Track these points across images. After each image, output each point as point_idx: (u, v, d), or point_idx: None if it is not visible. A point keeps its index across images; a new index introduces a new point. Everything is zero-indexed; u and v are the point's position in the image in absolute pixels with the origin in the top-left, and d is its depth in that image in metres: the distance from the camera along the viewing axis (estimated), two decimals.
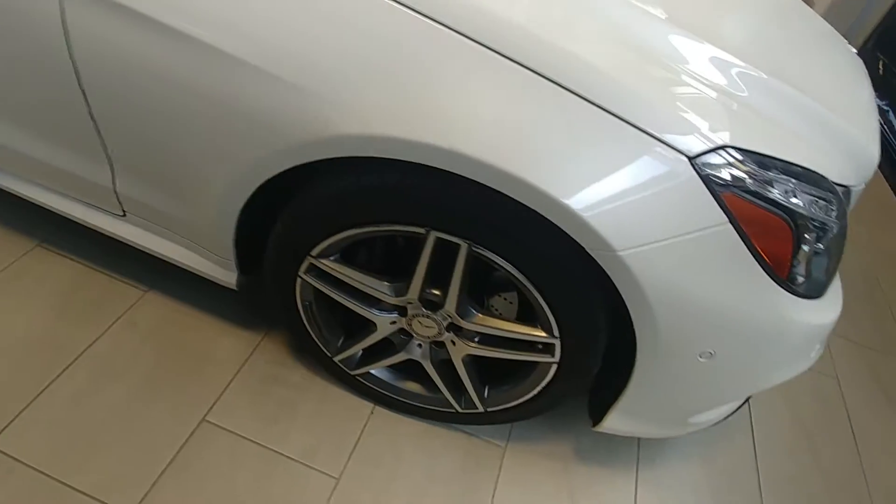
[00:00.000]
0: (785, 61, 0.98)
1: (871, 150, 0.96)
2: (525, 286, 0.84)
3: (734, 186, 0.73)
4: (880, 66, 3.54)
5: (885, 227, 2.46)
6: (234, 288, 1.10)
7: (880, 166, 2.96)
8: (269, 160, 0.80)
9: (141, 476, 1.01)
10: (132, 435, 1.06)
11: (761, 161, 0.75)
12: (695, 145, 0.71)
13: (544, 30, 0.72)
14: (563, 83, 0.70)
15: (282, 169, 0.81)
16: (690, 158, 0.71)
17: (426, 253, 0.86)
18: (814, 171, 0.79)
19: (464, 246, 0.82)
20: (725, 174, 0.73)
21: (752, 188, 0.74)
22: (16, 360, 1.12)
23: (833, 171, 0.85)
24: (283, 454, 1.10)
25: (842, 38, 1.34)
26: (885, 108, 3.29)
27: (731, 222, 0.73)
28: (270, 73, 0.73)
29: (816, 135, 0.86)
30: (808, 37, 1.17)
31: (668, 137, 0.71)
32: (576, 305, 0.84)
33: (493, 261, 0.83)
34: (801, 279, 0.81)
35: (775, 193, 0.75)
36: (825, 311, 0.87)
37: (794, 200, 0.77)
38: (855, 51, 1.32)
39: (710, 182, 0.72)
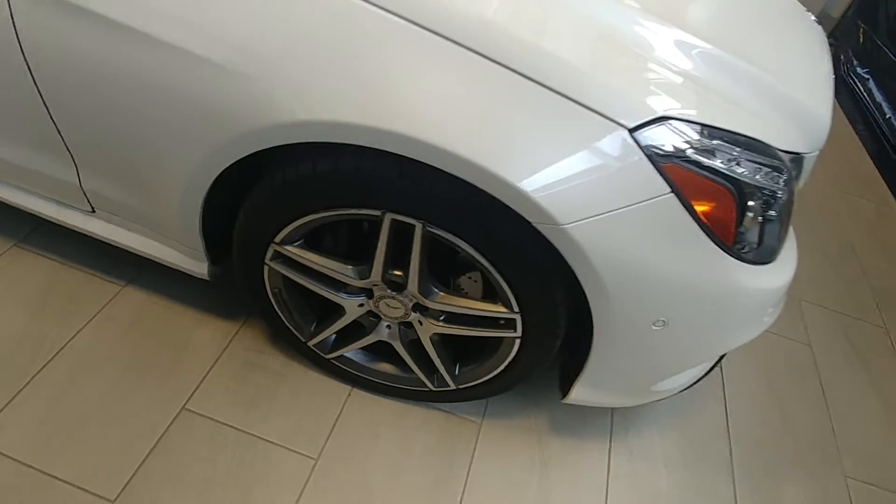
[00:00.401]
0: (738, 34, 0.99)
1: (822, 118, 0.98)
2: (482, 263, 0.86)
3: (676, 157, 0.75)
4: (861, 35, 3.54)
5: (861, 194, 2.48)
6: (207, 278, 1.12)
7: (860, 134, 2.98)
8: (223, 149, 0.81)
9: (123, 464, 1.04)
10: (113, 425, 1.09)
11: (703, 131, 0.77)
12: (634, 117, 0.73)
13: (484, 12, 0.73)
14: (505, 63, 0.71)
15: (237, 157, 0.83)
16: (630, 130, 0.73)
17: (384, 235, 0.88)
18: (758, 141, 0.81)
19: (418, 226, 0.84)
20: (666, 145, 0.74)
21: (694, 158, 0.76)
22: None
23: (782, 139, 0.87)
24: (262, 438, 1.13)
25: (803, 9, 1.34)
26: (866, 75, 3.30)
27: (673, 192, 0.75)
28: (217, 62, 0.74)
29: (764, 105, 0.88)
30: (768, 10, 1.18)
31: (606, 110, 0.73)
32: (532, 280, 0.86)
33: (448, 240, 0.85)
34: (747, 246, 0.84)
35: (717, 163, 0.77)
36: (775, 275, 0.89)
37: (737, 169, 0.79)
38: (815, 19, 1.32)
39: (651, 153, 0.74)
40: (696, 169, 0.76)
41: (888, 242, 2.20)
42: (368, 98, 0.72)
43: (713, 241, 0.80)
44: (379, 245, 0.90)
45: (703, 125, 0.77)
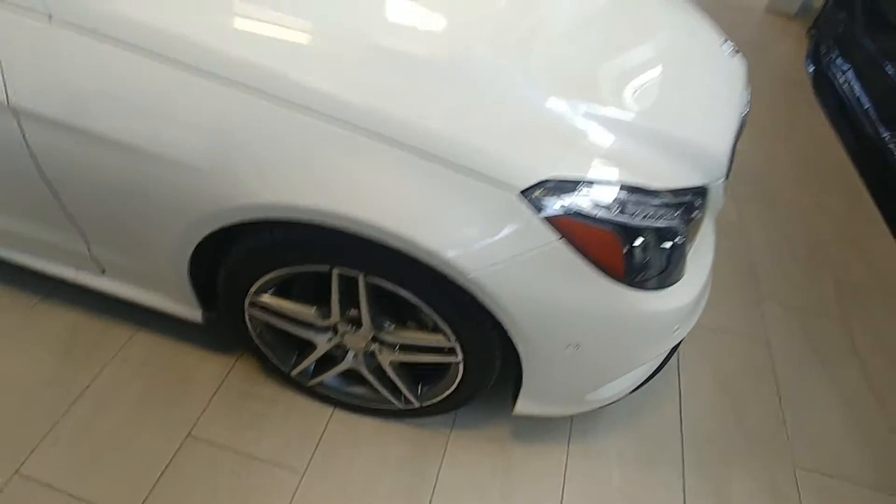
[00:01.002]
0: (640, 82, 1.13)
1: (717, 153, 1.11)
2: (418, 303, 1.02)
3: (560, 209, 0.89)
4: (840, 26, 3.59)
5: (833, 188, 2.56)
6: (201, 322, 1.30)
7: (838, 127, 3.03)
8: (196, 225, 0.99)
9: (138, 488, 1.23)
10: (129, 454, 1.28)
11: (585, 185, 0.92)
12: (522, 181, 0.88)
13: (397, 106, 0.89)
14: (409, 145, 0.87)
15: (209, 231, 1.00)
16: (522, 192, 0.88)
17: (334, 285, 1.05)
18: (639, 187, 0.95)
19: (360, 277, 1.01)
20: (552, 201, 0.89)
21: (578, 209, 0.90)
22: (30, 400, 1.34)
23: (671, 179, 1.01)
24: (256, 457, 1.31)
25: (719, 43, 1.46)
26: (845, 67, 3.35)
27: (562, 239, 0.90)
28: (184, 161, 0.92)
29: (648, 151, 1.01)
30: (679, 49, 1.31)
31: (498, 177, 0.87)
32: (461, 316, 1.02)
33: (385, 287, 1.01)
34: (640, 276, 0.97)
35: (600, 211, 0.91)
36: (672, 298, 1.03)
37: (620, 214, 0.93)
38: (732, 49, 1.44)
39: (538, 208, 0.89)
40: (581, 218, 0.90)
41: (857, 236, 2.28)
42: (305, 184, 0.89)
43: (605, 275, 0.94)
44: (332, 292, 1.07)
45: (585, 180, 0.92)
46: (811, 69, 3.62)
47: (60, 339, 1.47)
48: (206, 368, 1.46)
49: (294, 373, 1.33)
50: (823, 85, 3.40)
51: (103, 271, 1.29)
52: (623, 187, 0.94)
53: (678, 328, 1.09)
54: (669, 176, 1.02)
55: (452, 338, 1.07)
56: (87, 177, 0.99)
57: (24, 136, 0.97)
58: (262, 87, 0.87)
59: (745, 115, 1.46)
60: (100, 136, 0.93)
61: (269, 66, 0.87)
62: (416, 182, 0.87)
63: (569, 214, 0.90)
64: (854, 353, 1.79)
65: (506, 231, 0.89)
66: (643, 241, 0.96)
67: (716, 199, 1.22)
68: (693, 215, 1.10)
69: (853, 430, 1.56)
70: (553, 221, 0.89)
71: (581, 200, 0.91)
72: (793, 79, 3.53)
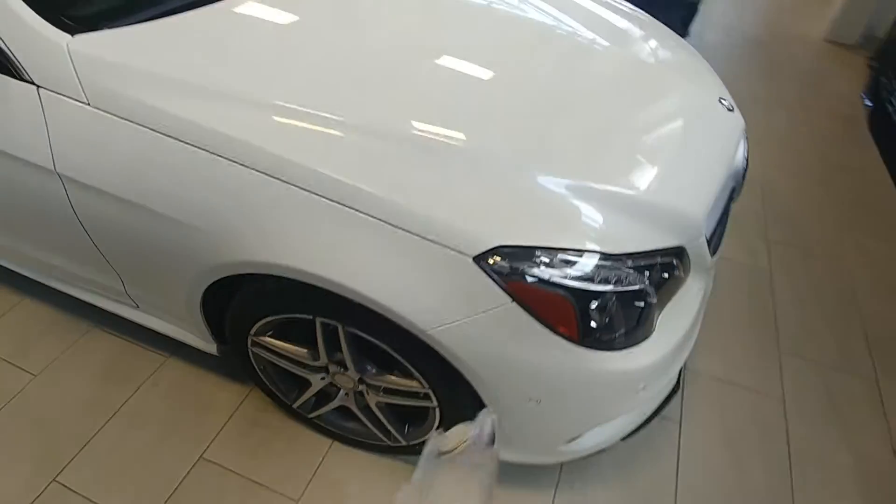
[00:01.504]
0: (613, 143, 1.18)
1: (692, 213, 1.13)
2: (391, 352, 1.11)
3: (514, 274, 0.96)
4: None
5: (875, 234, 2.41)
6: (217, 354, 1.45)
7: (890, 166, 2.86)
8: (199, 276, 1.14)
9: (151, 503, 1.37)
10: (149, 471, 1.43)
11: (538, 251, 0.97)
12: (477, 247, 0.95)
13: (366, 181, 0.98)
14: (373, 214, 0.96)
15: (212, 280, 1.14)
16: (474, 258, 0.95)
17: (319, 332, 1.16)
18: (596, 251, 1.00)
19: (339, 326, 1.11)
20: (503, 266, 0.96)
21: (530, 273, 0.96)
22: (73, 416, 1.53)
23: (638, 242, 1.05)
24: (258, 482, 1.42)
25: (715, 91, 1.48)
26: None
27: (515, 302, 0.96)
28: (194, 224, 1.06)
29: (614, 215, 1.06)
30: (666, 105, 1.35)
31: (453, 243, 0.95)
32: (430, 365, 1.09)
33: (362, 336, 1.11)
34: (598, 338, 1.01)
35: (552, 275, 0.97)
36: (637, 357, 1.05)
37: (573, 279, 0.97)
38: (728, 106, 1.45)
39: (492, 273, 0.95)
40: (533, 283, 0.96)
41: None
42: (280, 244, 1.01)
43: (560, 337, 0.99)
44: (318, 338, 1.18)
45: (539, 247, 0.97)
46: (868, 104, 3.43)
47: (103, 362, 1.67)
48: (224, 395, 1.60)
49: (296, 405, 1.44)
50: (880, 121, 3.22)
51: (137, 306, 1.47)
52: (578, 252, 0.99)
53: (644, 386, 1.11)
54: (636, 239, 1.06)
55: (425, 384, 1.14)
56: (115, 230, 1.17)
57: (67, 195, 1.16)
58: (257, 164, 1.00)
59: (742, 172, 1.46)
60: (125, 200, 1.09)
61: (266, 150, 1.00)
62: (382, 247, 0.97)
63: (521, 279, 0.96)
64: (881, 416, 1.69)
65: (462, 293, 0.96)
66: (601, 305, 1.00)
67: (700, 258, 1.23)
68: (665, 276, 1.13)
69: None
70: (506, 285, 0.96)
71: (533, 266, 0.96)
72: (846, 114, 3.37)
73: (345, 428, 1.45)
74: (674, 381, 1.35)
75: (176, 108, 1.03)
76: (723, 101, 1.44)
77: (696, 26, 4.18)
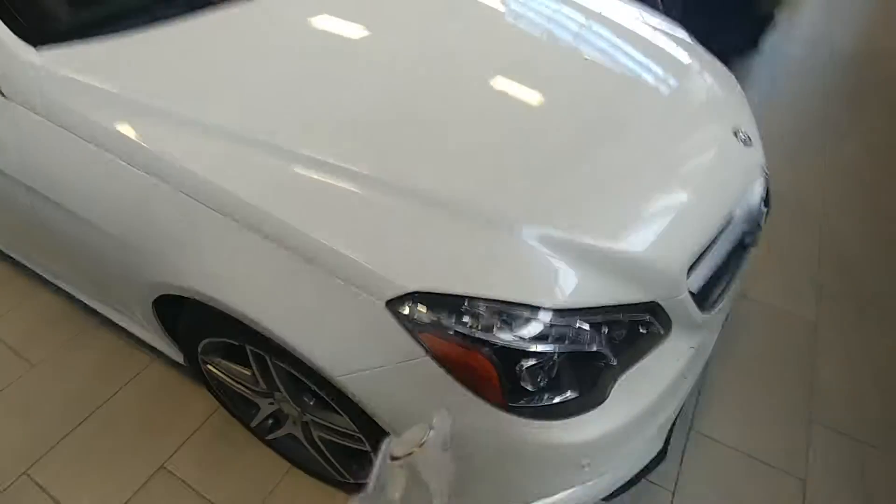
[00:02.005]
0: (591, 180, 1.04)
1: (666, 265, 0.98)
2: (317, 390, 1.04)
3: (431, 325, 0.85)
4: None
5: None
6: (184, 364, 1.45)
7: None
8: (140, 292, 1.13)
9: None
10: (114, 474, 1.45)
11: (459, 301, 0.86)
12: (390, 290, 0.86)
13: (281, 208, 0.92)
14: (288, 245, 0.90)
15: (154, 296, 1.13)
16: (387, 303, 0.86)
17: (252, 359, 1.11)
18: (527, 304, 0.87)
19: (266, 357, 1.06)
20: (420, 315, 0.86)
21: (447, 326, 0.85)
22: (57, 410, 1.58)
23: (591, 295, 0.92)
24: (209, 500, 1.40)
25: (732, 121, 1.28)
26: None
27: (430, 356, 0.86)
28: (123, 239, 1.05)
29: (563, 264, 0.92)
30: (671, 139, 1.18)
31: (368, 284, 0.86)
32: (352, 407, 1.00)
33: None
34: (528, 403, 0.89)
35: (478, 330, 0.85)
36: (580, 429, 0.91)
37: (499, 335, 0.86)
38: (744, 135, 1.25)
39: (405, 321, 0.85)
40: (450, 335, 0.85)
41: None
42: (193, 268, 0.98)
43: (482, 400, 0.87)
44: (251, 365, 1.13)
45: (464, 296, 0.86)
46: None
47: (96, 359, 1.72)
48: (198, 403, 1.60)
49: (252, 424, 1.41)
50: None
51: (118, 310, 1.51)
52: (513, 304, 0.87)
53: (588, 463, 0.96)
54: (592, 292, 0.92)
55: (354, 427, 1.06)
56: (73, 239, 1.18)
57: (33, 204, 1.19)
58: (182, 186, 0.97)
59: (758, 215, 1.26)
60: (72, 212, 1.10)
61: (190, 170, 0.96)
62: (293, 282, 0.90)
63: (438, 331, 0.85)
64: None
65: (374, 340, 0.87)
66: (536, 366, 0.88)
67: (684, 315, 1.06)
68: (632, 333, 0.98)
69: None
70: (419, 335, 0.86)
71: (455, 317, 0.86)
72: None
73: (298, 455, 1.40)
74: (658, 448, 1.18)
75: (118, 125, 1.02)
76: (738, 134, 1.25)
77: (774, 38, 3.81)
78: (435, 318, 0.86)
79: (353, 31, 1.32)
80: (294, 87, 1.11)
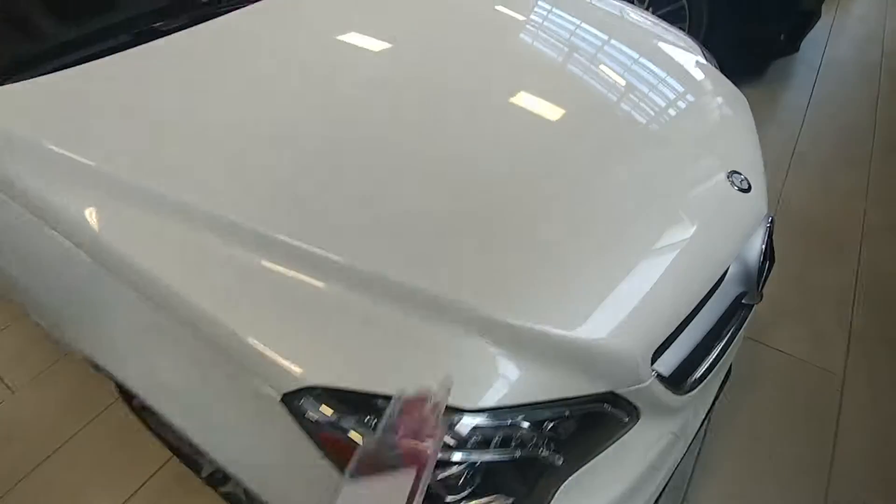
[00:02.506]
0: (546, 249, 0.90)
1: (623, 352, 0.83)
2: None
3: (328, 425, 0.74)
4: None
5: None
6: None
7: None
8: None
9: None
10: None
11: (371, 399, 0.74)
12: (287, 383, 0.75)
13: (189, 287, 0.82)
14: (186, 325, 0.81)
15: None
16: (282, 397, 0.75)
17: None
18: (453, 406, 0.74)
19: None
20: (317, 413, 0.74)
21: (352, 427, 0.74)
22: (26, 442, 1.57)
23: (539, 391, 0.79)
24: None
25: (729, 161, 1.10)
26: None
27: (327, 459, 0.74)
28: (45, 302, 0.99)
29: (498, 354, 0.79)
30: (649, 186, 1.02)
31: (266, 375, 0.76)
32: None
33: None
34: None
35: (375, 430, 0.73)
36: None
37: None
38: (739, 178, 1.07)
39: (302, 419, 0.75)
40: (352, 438, 0.74)
41: None
42: (95, 337, 0.90)
43: None
44: None
45: (373, 394, 0.74)
46: None
47: (72, 387, 1.69)
48: (158, 447, 1.54)
49: (202, 475, 1.34)
50: None
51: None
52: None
53: None
54: (531, 386, 0.79)
55: None
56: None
57: None
58: (96, 256, 0.88)
59: (758, 272, 1.08)
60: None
61: (104, 242, 0.87)
62: (186, 365, 0.81)
63: (336, 431, 0.74)
64: None
65: (267, 436, 0.77)
66: (453, 473, 0.75)
67: (657, 403, 0.91)
68: (576, 427, 0.85)
69: None
70: (318, 435, 0.74)
71: (356, 416, 0.74)
72: None
73: None
74: None
75: (31, 180, 0.95)
76: (734, 178, 1.07)
77: (818, 36, 3.48)
78: (336, 418, 0.74)
79: (277, 81, 1.14)
80: (216, 147, 0.98)
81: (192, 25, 1.20)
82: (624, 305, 0.85)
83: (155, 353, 0.84)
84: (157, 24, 1.19)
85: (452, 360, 0.78)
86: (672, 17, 2.83)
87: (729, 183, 1.06)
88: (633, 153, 1.07)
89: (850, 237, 2.14)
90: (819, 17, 3.12)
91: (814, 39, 3.47)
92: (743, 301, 1.10)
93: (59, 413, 1.63)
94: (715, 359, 1.03)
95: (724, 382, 1.29)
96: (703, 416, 1.14)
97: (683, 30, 2.80)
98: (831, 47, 3.49)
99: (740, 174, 1.09)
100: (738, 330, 1.10)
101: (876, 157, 2.58)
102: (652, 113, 1.18)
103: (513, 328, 0.80)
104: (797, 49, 2.96)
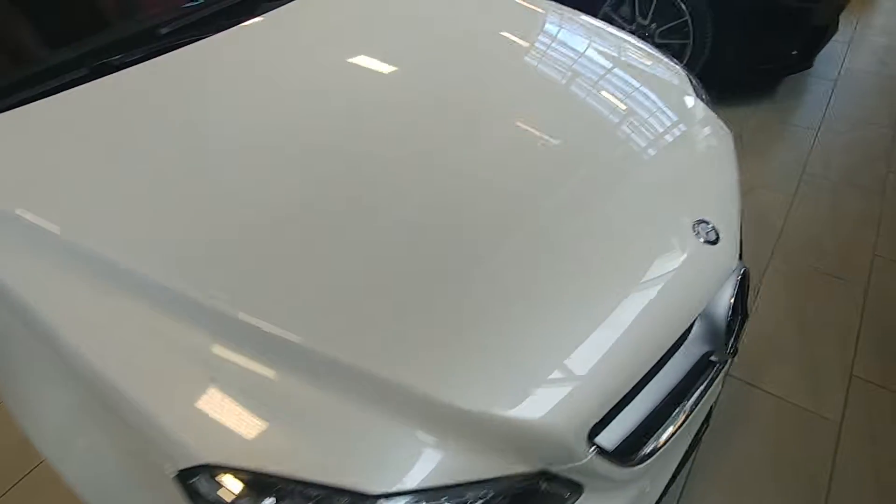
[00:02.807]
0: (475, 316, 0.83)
1: (548, 430, 0.75)
2: None
3: None
4: None
5: None
6: None
7: None
8: None
9: None
10: None
11: (271, 480, 0.69)
12: (179, 461, 0.70)
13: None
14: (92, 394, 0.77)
15: None
16: (176, 474, 0.70)
17: None
18: (350, 490, 0.69)
19: None
20: (214, 494, 0.69)
21: None
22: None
23: (457, 472, 0.72)
24: None
25: (696, 209, 1.01)
26: None
27: None
28: None
29: (420, 431, 0.73)
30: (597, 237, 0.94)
31: (161, 451, 0.71)
32: None
33: None
34: None
35: None
36: None
37: None
38: (706, 228, 0.98)
39: (196, 499, 0.70)
40: None
41: None
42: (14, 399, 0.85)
43: None
44: None
45: (268, 475, 0.69)
46: None
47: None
48: None
49: None
50: None
51: None
52: (326, 488, 0.69)
53: None
54: (445, 468, 0.72)
55: None
56: None
57: None
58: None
59: (728, 327, 0.99)
60: None
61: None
62: (92, 435, 0.77)
63: None
64: None
65: None
66: None
67: (602, 477, 0.84)
68: None
69: None
70: None
71: (257, 500, 0.69)
72: None
73: None
74: None
75: None
76: (700, 229, 0.99)
77: (836, 49, 3.34)
78: (232, 500, 0.69)
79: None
80: (141, 201, 0.91)
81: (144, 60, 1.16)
82: (557, 379, 0.78)
83: (58, 417, 0.80)
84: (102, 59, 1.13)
85: (366, 439, 0.72)
86: (675, 33, 2.73)
87: (694, 234, 0.98)
88: (588, 205, 0.99)
89: (857, 270, 2.01)
90: (836, 30, 2.98)
91: (830, 53, 3.32)
92: (711, 359, 1.02)
93: (19, 445, 1.62)
94: (675, 426, 0.95)
95: (701, 432, 1.20)
96: (666, 482, 1.05)
97: (687, 46, 2.72)
98: (849, 61, 3.32)
99: (708, 223, 1.00)
100: (706, 390, 1.02)
101: (891, 183, 2.44)
102: (616, 157, 1.10)
103: (433, 404, 0.73)
104: (810, 65, 2.83)
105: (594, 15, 2.87)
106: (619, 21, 2.85)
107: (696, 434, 1.18)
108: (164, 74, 1.13)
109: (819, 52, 2.85)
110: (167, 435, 0.71)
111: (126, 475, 0.75)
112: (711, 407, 1.25)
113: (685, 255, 0.95)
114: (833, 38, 3.00)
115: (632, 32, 2.83)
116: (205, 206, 0.91)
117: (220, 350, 0.76)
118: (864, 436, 1.53)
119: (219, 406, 0.73)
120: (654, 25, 2.77)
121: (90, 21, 1.22)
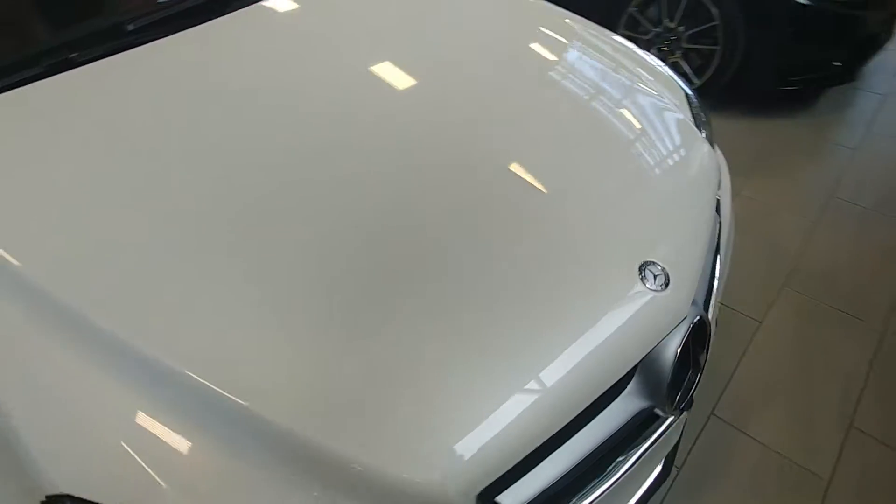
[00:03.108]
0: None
1: (431, 492, 0.69)
2: None
3: None
4: None
5: None
6: None
7: None
8: None
9: None
10: None
11: None
12: (43, 488, 0.68)
13: None
14: None
15: None
16: (45, 498, 0.68)
17: None
18: None
19: None
20: None
21: None
22: None
23: None
24: None
25: (643, 251, 0.92)
26: None
27: None
28: None
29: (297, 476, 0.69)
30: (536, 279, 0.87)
31: (33, 477, 0.69)
32: None
33: None
34: None
35: None
36: None
37: None
38: (657, 271, 0.89)
39: None
40: None
41: None
42: None
43: None
44: None
45: None
46: None
47: None
48: None
49: None
50: None
51: None
52: None
53: None
54: None
55: None
56: None
57: None
58: None
59: (683, 380, 0.90)
60: None
61: None
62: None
63: None
64: None
65: None
66: None
67: None
68: None
69: None
70: None
71: None
72: None
73: None
74: None
75: None
76: (648, 272, 0.89)
77: (890, 59, 3.06)
78: None
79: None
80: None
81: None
82: (443, 433, 0.72)
83: None
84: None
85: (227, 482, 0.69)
86: (704, 37, 2.56)
87: (639, 277, 0.89)
88: (520, 245, 0.91)
89: (874, 311, 1.83)
90: (890, 37, 2.72)
91: (882, 64, 3.04)
92: (655, 412, 0.93)
93: None
94: (604, 485, 0.87)
95: (657, 483, 1.11)
96: None
97: (716, 51, 2.54)
98: None
99: (657, 265, 0.91)
100: (650, 447, 0.93)
101: None
102: (572, 188, 1.01)
103: (309, 454, 0.69)
104: (854, 78, 2.60)
105: (618, 16, 2.77)
106: (645, 23, 2.69)
107: (652, 486, 1.10)
108: (118, 74, 1.12)
109: (865, 64, 2.62)
110: (36, 463, 0.69)
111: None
112: (670, 457, 1.16)
113: (624, 301, 0.87)
114: (886, 47, 2.75)
115: (658, 35, 2.69)
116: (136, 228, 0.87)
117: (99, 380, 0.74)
118: (853, 496, 1.40)
119: (97, 441, 0.71)
120: (681, 28, 2.60)
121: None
